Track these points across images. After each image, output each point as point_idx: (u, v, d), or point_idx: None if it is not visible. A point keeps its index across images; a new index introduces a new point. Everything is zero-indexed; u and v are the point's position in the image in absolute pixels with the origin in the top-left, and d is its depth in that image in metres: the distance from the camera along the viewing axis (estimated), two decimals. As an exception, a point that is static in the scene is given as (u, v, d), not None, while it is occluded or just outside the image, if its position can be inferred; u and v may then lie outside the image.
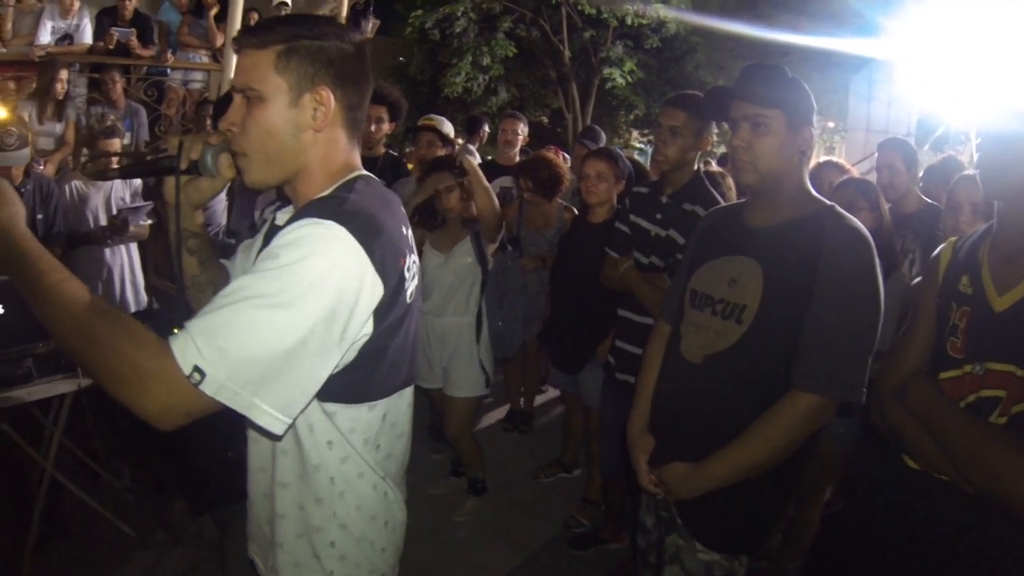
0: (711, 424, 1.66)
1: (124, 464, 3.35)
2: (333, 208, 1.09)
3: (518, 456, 4.06)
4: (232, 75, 1.45)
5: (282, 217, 1.32)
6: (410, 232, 1.27)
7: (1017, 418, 1.37)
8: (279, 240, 1.05)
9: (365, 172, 1.25)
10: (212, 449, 2.23)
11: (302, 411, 1.09)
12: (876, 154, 3.42)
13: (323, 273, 1.02)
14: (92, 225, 3.67)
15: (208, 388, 0.96)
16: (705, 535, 1.71)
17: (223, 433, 2.06)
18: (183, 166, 1.25)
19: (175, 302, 3.83)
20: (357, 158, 1.27)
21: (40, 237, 3.18)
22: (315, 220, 1.06)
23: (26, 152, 3.18)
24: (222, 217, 4.51)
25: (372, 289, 1.09)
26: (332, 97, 1.16)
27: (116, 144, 3.76)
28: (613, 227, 2.83)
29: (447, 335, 3.10)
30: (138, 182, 3.87)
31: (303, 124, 1.16)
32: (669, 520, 1.79)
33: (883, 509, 1.66)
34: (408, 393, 1.34)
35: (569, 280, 3.23)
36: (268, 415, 1.01)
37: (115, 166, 2.00)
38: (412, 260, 1.23)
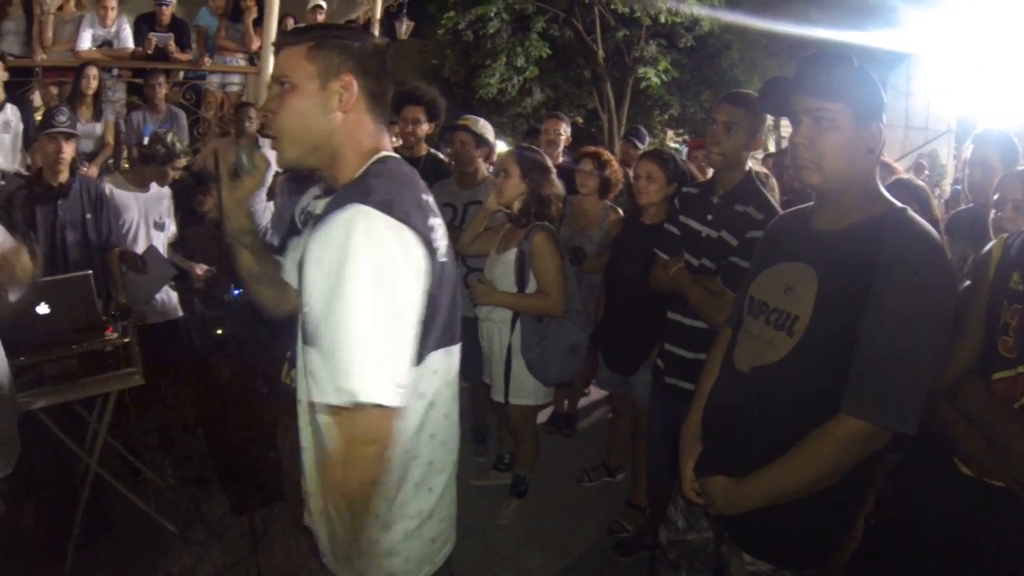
0: (754, 439, 1.58)
1: (167, 461, 3.37)
2: (359, 191, 1.24)
3: (561, 459, 3.99)
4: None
5: (319, 205, 1.45)
6: (431, 199, 1.41)
7: None
8: (319, 245, 1.20)
9: (389, 152, 1.38)
10: (255, 450, 2.23)
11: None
12: (970, 148, 2.92)
13: (367, 254, 1.16)
14: (129, 237, 3.63)
15: (361, 402, 1.14)
16: (751, 547, 1.65)
17: (265, 435, 2.06)
18: (223, 171, 1.42)
19: (217, 302, 3.82)
20: (385, 141, 1.40)
21: (90, 237, 3.22)
22: (344, 207, 1.20)
23: (75, 140, 3.22)
24: (263, 218, 4.53)
25: (410, 246, 1.22)
26: (355, 83, 1.31)
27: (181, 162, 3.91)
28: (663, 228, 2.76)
29: (492, 340, 3.04)
30: (170, 199, 3.88)
31: (331, 106, 1.31)
32: (718, 530, 1.74)
33: (934, 517, 1.60)
34: (455, 351, 1.45)
35: (623, 281, 3.17)
36: (381, 390, 1.15)
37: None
38: (437, 222, 1.36)
